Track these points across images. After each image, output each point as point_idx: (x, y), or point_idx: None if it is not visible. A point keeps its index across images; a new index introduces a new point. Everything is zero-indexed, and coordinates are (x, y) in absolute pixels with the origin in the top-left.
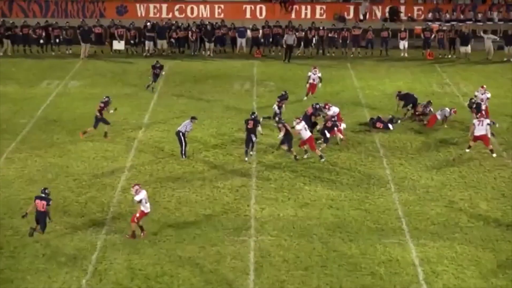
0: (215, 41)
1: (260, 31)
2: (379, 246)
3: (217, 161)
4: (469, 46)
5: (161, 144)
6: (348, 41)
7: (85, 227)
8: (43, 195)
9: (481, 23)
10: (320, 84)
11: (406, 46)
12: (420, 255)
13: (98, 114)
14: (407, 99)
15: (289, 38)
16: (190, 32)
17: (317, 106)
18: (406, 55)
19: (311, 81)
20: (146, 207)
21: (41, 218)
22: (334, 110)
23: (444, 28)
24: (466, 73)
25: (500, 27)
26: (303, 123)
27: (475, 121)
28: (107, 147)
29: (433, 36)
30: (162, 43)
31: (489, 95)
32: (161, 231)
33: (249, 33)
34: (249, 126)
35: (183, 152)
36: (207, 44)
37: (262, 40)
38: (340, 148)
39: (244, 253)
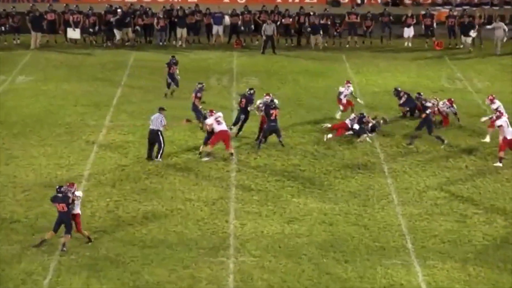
0: (188, 29)
1: (240, 17)
2: (380, 268)
3: (191, 169)
4: (472, 35)
5: (125, 149)
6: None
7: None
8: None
9: (497, 7)
10: (359, 100)
11: (412, 34)
12: (428, 279)
13: (196, 104)
14: (406, 103)
15: (268, 28)
16: (156, 19)
17: (251, 92)
18: (410, 44)
19: (342, 97)
20: (78, 208)
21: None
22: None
23: (455, 13)
24: (480, 66)
25: None
26: (214, 116)
27: (502, 122)
28: (61, 153)
29: (435, 23)
30: (127, 31)
31: None
32: (125, 251)
33: (227, 19)
34: (241, 105)
35: (160, 154)
36: (178, 33)
37: (242, 27)
38: (334, 153)
39: (222, 277)
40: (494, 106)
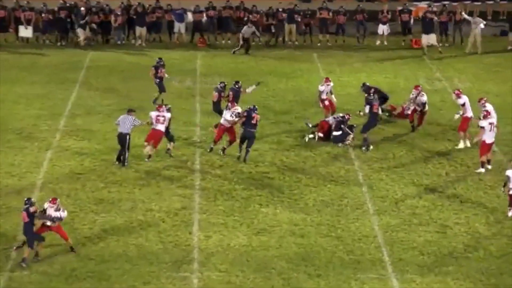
0: (148, 27)
1: (204, 13)
2: (354, 282)
3: (152, 177)
4: (434, 34)
5: (81, 156)
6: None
7: None
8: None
9: (479, 3)
10: (334, 97)
11: (387, 32)
12: None
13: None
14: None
15: (248, 31)
16: (114, 16)
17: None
18: (385, 43)
19: (324, 96)
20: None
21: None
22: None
23: (434, 9)
24: (461, 65)
25: (504, 8)
26: (157, 113)
27: (483, 123)
28: (12, 160)
29: (412, 20)
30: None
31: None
32: (81, 266)
33: (189, 16)
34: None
35: (125, 159)
36: (137, 31)
37: (206, 25)
38: (304, 160)
39: None
40: (460, 101)
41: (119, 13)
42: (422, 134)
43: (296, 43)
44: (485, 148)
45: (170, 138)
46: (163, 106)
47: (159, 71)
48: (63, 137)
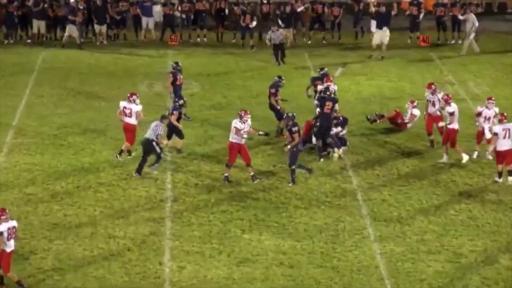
0: (110, 22)
1: (176, 6)
2: None
3: (115, 197)
4: (387, 30)
5: (32, 173)
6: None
7: None
8: None
9: None
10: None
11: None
12: None
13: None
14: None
15: (276, 36)
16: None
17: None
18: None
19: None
20: (9, 245)
21: None
22: None
23: (445, 0)
24: (476, 66)
25: None
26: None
27: (498, 128)
28: None
29: (421, 14)
30: (39, 24)
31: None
32: None
33: (158, 9)
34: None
35: (154, 165)
36: (97, 27)
37: (179, 19)
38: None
39: None
40: (450, 110)
41: (81, 7)
42: (432, 147)
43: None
44: (499, 156)
45: (178, 134)
46: (134, 95)
47: (179, 78)
48: (10, 152)
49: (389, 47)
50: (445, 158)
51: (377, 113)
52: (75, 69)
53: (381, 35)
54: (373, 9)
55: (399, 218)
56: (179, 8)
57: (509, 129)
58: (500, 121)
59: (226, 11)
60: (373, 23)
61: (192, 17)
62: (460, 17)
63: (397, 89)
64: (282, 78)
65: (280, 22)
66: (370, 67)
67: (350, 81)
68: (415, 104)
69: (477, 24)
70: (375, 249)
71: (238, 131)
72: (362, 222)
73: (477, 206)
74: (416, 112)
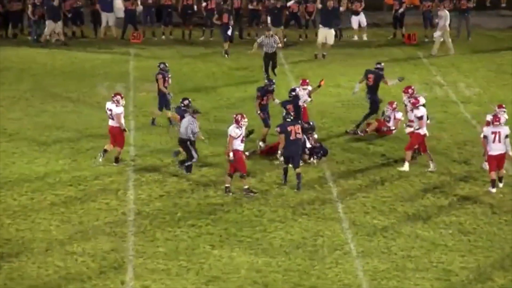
0: (66, 19)
1: (139, 1)
2: None
3: (72, 210)
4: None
5: None
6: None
7: None
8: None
9: None
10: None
11: (364, 23)
12: None
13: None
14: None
15: (269, 43)
16: (30, 6)
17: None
18: (365, 38)
19: (301, 103)
20: None
21: None
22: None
23: None
24: (468, 66)
25: None
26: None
27: (487, 130)
28: None
29: (401, 8)
30: None
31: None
32: None
33: (119, 4)
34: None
35: (185, 166)
36: (51, 24)
37: (143, 15)
38: (268, 187)
39: None
40: (418, 114)
41: (37, 3)
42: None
43: (256, 38)
44: (492, 161)
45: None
46: (118, 95)
47: (167, 79)
48: None
49: (372, 45)
50: (432, 166)
51: (358, 131)
52: (28, 70)
53: (326, 33)
54: (319, 5)
55: (383, 232)
56: (142, 3)
57: (499, 132)
58: (489, 123)
59: (195, 7)
60: (354, 20)
61: (155, 12)
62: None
63: (380, 91)
64: (273, 81)
65: (269, 20)
66: (350, 66)
67: (329, 82)
68: (394, 106)
69: (448, 22)
70: (357, 266)
71: (234, 139)
72: (343, 236)
73: (469, 219)
74: (399, 115)
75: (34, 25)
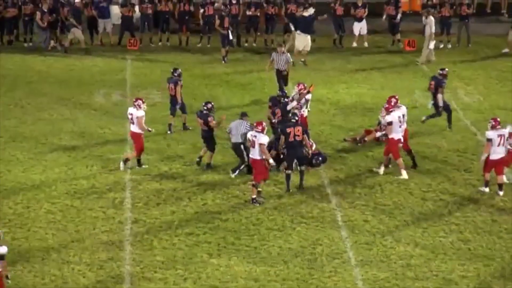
0: (62, 26)
1: (137, 7)
2: None
3: (68, 218)
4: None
5: None
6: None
7: None
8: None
9: None
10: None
11: (365, 31)
12: None
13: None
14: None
15: (280, 60)
16: (39, 13)
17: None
18: (366, 44)
19: (289, 108)
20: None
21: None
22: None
23: (434, 1)
24: (468, 73)
25: None
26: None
27: (493, 134)
28: None
29: (399, 14)
30: None
31: None
32: None
33: (116, 10)
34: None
35: (237, 169)
36: (77, 31)
37: (140, 22)
38: (266, 195)
39: None
40: (388, 119)
41: (45, 10)
42: (419, 161)
43: (254, 44)
44: (491, 165)
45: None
46: (139, 99)
47: (175, 84)
48: None
49: (371, 52)
50: (381, 170)
51: (357, 139)
52: (23, 77)
53: (305, 40)
54: (300, 13)
55: (382, 241)
56: (140, 9)
57: (503, 135)
58: (493, 127)
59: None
60: (356, 26)
61: (153, 19)
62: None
63: (379, 98)
64: (285, 92)
65: (292, 27)
66: (349, 73)
67: (328, 90)
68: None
69: (434, 29)
70: (357, 274)
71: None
72: (342, 245)
73: (469, 227)
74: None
75: (43, 32)
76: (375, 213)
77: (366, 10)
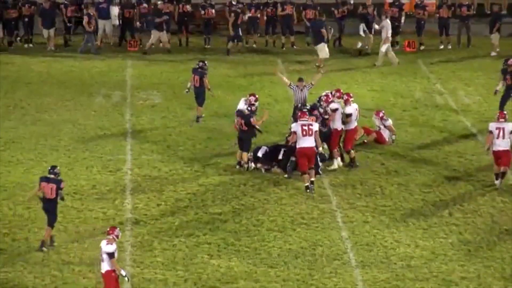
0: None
1: (136, 8)
2: None
3: (68, 219)
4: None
5: None
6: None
7: None
8: (51, 175)
9: None
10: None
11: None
12: None
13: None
14: None
15: (298, 97)
16: (86, 17)
17: None
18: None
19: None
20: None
21: (51, 209)
22: None
23: (426, 2)
24: (468, 74)
25: None
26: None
27: (492, 125)
28: None
29: (402, 17)
30: None
31: None
32: None
33: (116, 10)
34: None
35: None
36: (45, 31)
37: (140, 22)
38: (267, 197)
39: None
40: (348, 110)
41: (92, 14)
42: (419, 162)
43: (255, 45)
44: (496, 157)
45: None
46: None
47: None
48: None
49: (372, 52)
50: (334, 164)
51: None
52: (23, 78)
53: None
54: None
55: (382, 242)
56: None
57: (503, 128)
58: (496, 119)
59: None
60: (361, 27)
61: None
62: (376, 26)
63: (380, 99)
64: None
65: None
66: (350, 74)
67: (328, 90)
68: (381, 115)
69: (390, 33)
70: (357, 276)
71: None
72: (342, 246)
73: (469, 228)
74: (389, 122)
75: (88, 36)
76: (375, 214)
77: (375, 9)
